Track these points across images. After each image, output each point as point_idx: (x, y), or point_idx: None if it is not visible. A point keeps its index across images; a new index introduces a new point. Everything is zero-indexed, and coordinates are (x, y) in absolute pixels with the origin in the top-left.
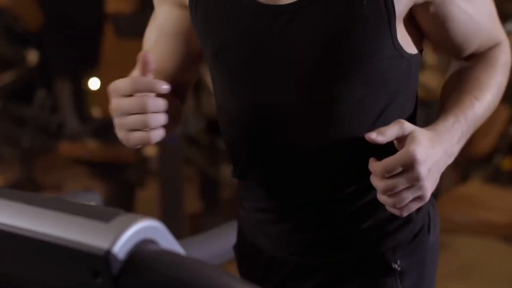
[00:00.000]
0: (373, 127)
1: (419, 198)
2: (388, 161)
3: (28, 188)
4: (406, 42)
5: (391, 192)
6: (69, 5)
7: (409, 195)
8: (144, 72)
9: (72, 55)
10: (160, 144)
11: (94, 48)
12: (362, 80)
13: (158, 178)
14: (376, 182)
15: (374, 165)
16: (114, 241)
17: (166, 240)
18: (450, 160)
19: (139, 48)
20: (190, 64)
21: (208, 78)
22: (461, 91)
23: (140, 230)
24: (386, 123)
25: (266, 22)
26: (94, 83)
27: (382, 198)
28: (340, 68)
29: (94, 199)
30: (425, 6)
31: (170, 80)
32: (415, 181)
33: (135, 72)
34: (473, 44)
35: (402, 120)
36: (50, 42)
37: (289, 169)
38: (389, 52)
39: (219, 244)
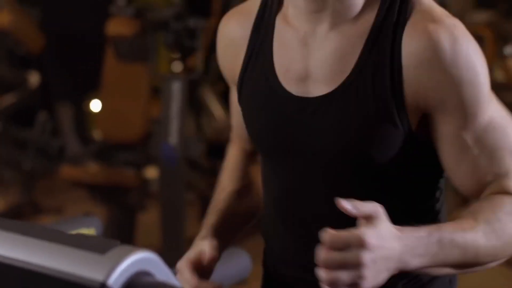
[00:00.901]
0: (395, 209)
1: (354, 286)
2: (339, 234)
3: (29, 211)
4: (423, 134)
5: (328, 266)
6: (70, 28)
7: (344, 277)
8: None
9: (73, 78)
10: (161, 167)
11: (95, 70)
12: (384, 167)
13: (159, 202)
14: (320, 251)
15: (325, 233)
16: (109, 273)
17: (162, 272)
18: (400, 267)
19: (139, 71)
20: None
21: (209, 99)
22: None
23: (135, 262)
24: (407, 206)
25: (295, 112)
26: (95, 105)
27: (319, 269)
28: (362, 157)
29: (94, 225)
30: (437, 125)
31: (248, 145)
32: (355, 265)
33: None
34: (487, 173)
35: (380, 208)
36: (52, 65)
37: (311, 236)
38: (410, 140)
39: (221, 269)
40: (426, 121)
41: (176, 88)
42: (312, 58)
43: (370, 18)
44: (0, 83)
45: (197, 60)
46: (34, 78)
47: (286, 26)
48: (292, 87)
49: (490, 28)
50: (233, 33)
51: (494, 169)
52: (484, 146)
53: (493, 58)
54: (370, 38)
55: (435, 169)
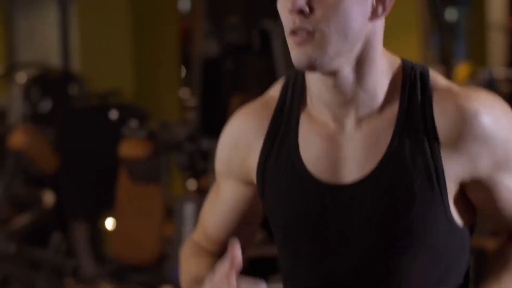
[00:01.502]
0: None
1: None
2: None
3: None
4: (458, 216)
5: None
6: (84, 150)
7: None
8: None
9: (88, 197)
10: None
11: (110, 190)
12: (419, 253)
13: None
14: None
15: None
16: None
17: None
18: None
19: (152, 192)
20: (246, 233)
21: None
22: (492, 274)
23: None
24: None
25: (328, 200)
26: (110, 224)
27: None
28: (397, 243)
29: None
30: (473, 183)
31: (222, 248)
32: None
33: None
34: None
35: None
36: (66, 184)
37: None
38: (443, 226)
39: None
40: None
41: (189, 209)
42: (342, 150)
43: (394, 105)
44: (14, 202)
45: (210, 181)
46: (48, 197)
47: (312, 124)
48: (322, 176)
49: None
50: (247, 128)
51: None
52: None
53: None
54: (400, 121)
55: (467, 248)
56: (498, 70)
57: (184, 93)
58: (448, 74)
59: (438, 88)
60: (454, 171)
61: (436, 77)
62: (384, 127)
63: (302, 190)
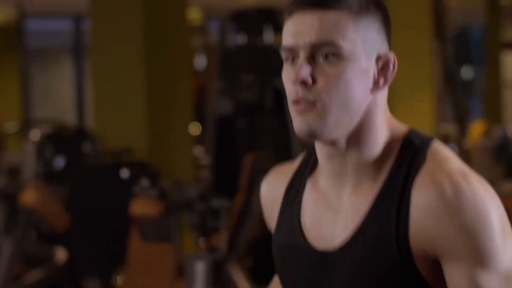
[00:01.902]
0: None
1: None
2: None
3: None
4: (433, 278)
5: None
6: (95, 208)
7: None
8: None
9: (99, 255)
10: None
11: (121, 248)
12: None
13: None
14: None
15: None
16: None
17: None
18: None
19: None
20: None
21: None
22: None
23: None
24: None
25: (317, 266)
26: (122, 281)
27: None
28: None
29: None
30: (432, 260)
31: None
32: None
33: None
34: None
35: None
36: (78, 242)
37: None
38: (415, 282)
39: None
40: (439, 269)
41: (200, 268)
42: (335, 216)
43: (383, 174)
44: (27, 258)
45: (221, 240)
46: (60, 254)
47: (315, 188)
48: (315, 242)
49: None
50: (271, 191)
51: None
52: None
53: None
54: (382, 190)
55: None
56: None
57: (199, 151)
58: (463, 131)
59: (430, 159)
60: (420, 244)
61: (437, 150)
62: (368, 196)
63: (298, 255)
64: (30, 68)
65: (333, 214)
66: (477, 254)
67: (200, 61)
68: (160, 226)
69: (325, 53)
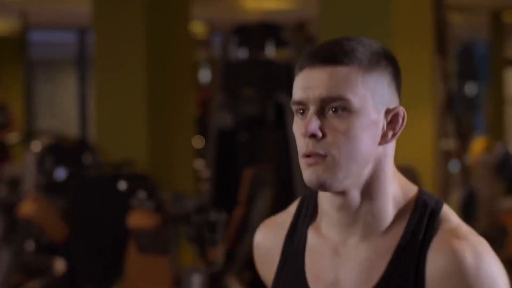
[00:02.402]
0: None
1: None
2: None
3: None
4: None
5: None
6: (94, 220)
7: None
8: None
9: (98, 265)
10: None
11: (119, 259)
12: None
13: None
14: None
15: None
16: None
17: None
18: None
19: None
20: None
21: None
22: None
23: None
24: None
25: None
26: None
27: None
28: None
29: None
30: None
31: None
32: None
33: None
34: None
35: None
36: (76, 253)
37: None
38: None
39: None
40: None
41: (197, 281)
42: (342, 267)
43: (398, 232)
44: (26, 269)
45: (218, 253)
46: (59, 265)
47: (318, 236)
48: None
49: None
50: (267, 243)
51: None
52: None
53: None
54: (397, 252)
55: None
56: None
57: (200, 164)
58: (464, 147)
59: (444, 226)
60: None
61: (447, 215)
62: (382, 254)
63: None
64: (34, 79)
65: (337, 264)
66: None
67: (204, 75)
68: (157, 238)
69: (334, 107)
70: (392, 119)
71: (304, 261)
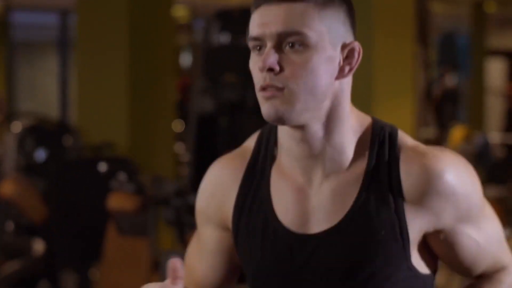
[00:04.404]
0: None
1: None
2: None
3: None
4: (420, 263)
5: None
6: (73, 201)
7: None
8: (173, 279)
9: (77, 247)
10: None
11: (98, 242)
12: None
13: None
14: None
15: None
16: None
17: None
18: None
19: (140, 245)
20: (230, 277)
21: None
22: None
23: None
24: None
25: (296, 249)
26: (98, 274)
27: None
28: (362, 280)
29: None
30: (436, 234)
31: None
32: None
33: (167, 281)
34: (480, 267)
35: None
36: (55, 235)
37: None
38: (405, 273)
39: None
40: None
41: None
42: (310, 201)
43: (362, 161)
44: (4, 249)
45: None
46: (38, 246)
47: (282, 177)
48: (292, 226)
49: (499, 203)
50: (224, 177)
51: (494, 258)
52: (485, 237)
53: None
54: (367, 177)
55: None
56: (494, 135)
57: (180, 148)
58: (443, 136)
59: (405, 148)
60: (417, 225)
61: (404, 137)
62: (351, 182)
63: (274, 239)
64: (15, 61)
65: (305, 198)
66: (475, 212)
67: (186, 59)
68: (136, 221)
69: (291, 42)
70: (348, 54)
71: (270, 196)
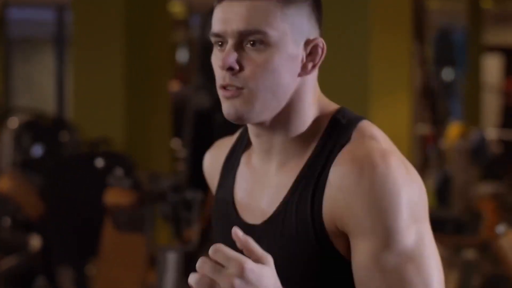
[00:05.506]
0: None
1: None
2: (224, 248)
3: None
4: (346, 251)
5: (200, 273)
6: (70, 197)
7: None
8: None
9: (74, 242)
10: None
11: (95, 237)
12: (319, 280)
13: None
14: (201, 260)
15: (216, 246)
16: None
17: None
18: None
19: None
20: None
21: None
22: None
23: None
24: None
25: None
26: (95, 270)
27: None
28: (295, 273)
29: None
30: (342, 233)
31: None
32: (225, 283)
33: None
34: None
35: (271, 259)
36: (52, 231)
37: None
38: (330, 265)
39: None
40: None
41: (171, 259)
42: (262, 192)
43: (308, 152)
44: (1, 246)
45: (194, 232)
46: (35, 242)
47: (247, 165)
48: (244, 215)
49: (495, 200)
50: (212, 163)
51: None
52: (396, 276)
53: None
54: (303, 170)
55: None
56: (490, 131)
57: (176, 143)
58: (440, 132)
59: (354, 140)
60: (330, 219)
61: (363, 129)
62: (291, 175)
63: (228, 225)
64: (11, 57)
65: (260, 189)
66: (380, 233)
67: (182, 55)
68: (133, 217)
69: (252, 40)
70: (311, 50)
71: (234, 183)
